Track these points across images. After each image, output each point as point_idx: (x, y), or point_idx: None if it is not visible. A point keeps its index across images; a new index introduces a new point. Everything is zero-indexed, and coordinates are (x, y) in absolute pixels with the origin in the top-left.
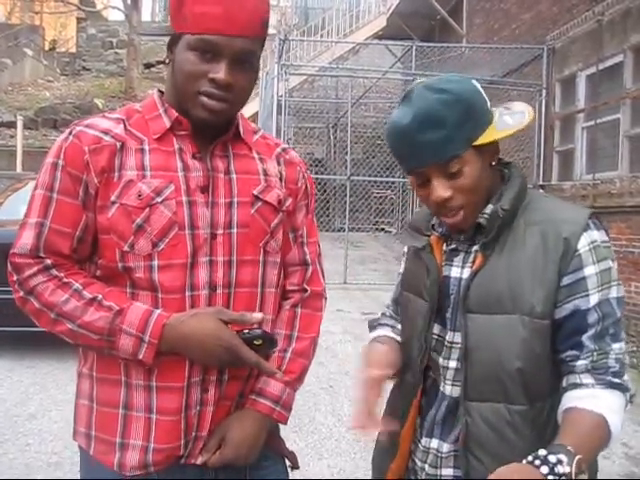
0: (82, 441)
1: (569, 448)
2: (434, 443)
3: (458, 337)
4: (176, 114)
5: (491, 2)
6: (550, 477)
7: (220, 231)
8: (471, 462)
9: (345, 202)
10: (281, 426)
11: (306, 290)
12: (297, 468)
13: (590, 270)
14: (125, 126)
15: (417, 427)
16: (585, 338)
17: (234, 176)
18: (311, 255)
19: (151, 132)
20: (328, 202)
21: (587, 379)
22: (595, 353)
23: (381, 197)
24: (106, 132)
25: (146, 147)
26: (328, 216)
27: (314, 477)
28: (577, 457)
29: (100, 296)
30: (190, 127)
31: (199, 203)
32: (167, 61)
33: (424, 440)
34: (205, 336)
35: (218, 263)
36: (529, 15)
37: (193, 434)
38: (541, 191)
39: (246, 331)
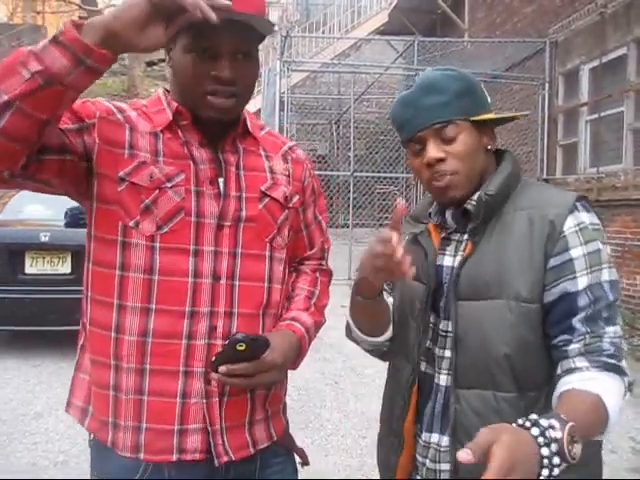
0: (76, 414)
1: (562, 416)
2: (434, 437)
3: (451, 326)
4: (176, 105)
5: None
6: (540, 439)
7: (228, 223)
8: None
9: (349, 198)
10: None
11: (322, 264)
12: (307, 464)
13: (577, 252)
14: (140, 113)
15: (416, 422)
16: (576, 321)
17: (242, 172)
18: (327, 245)
19: (155, 124)
20: (332, 198)
21: (581, 362)
22: (588, 336)
23: (384, 193)
24: (121, 110)
25: (160, 134)
26: (332, 212)
27: (320, 474)
28: (570, 424)
29: None
30: (191, 117)
31: (207, 194)
32: (168, 61)
33: (424, 435)
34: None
35: (223, 254)
36: (531, 8)
37: (197, 425)
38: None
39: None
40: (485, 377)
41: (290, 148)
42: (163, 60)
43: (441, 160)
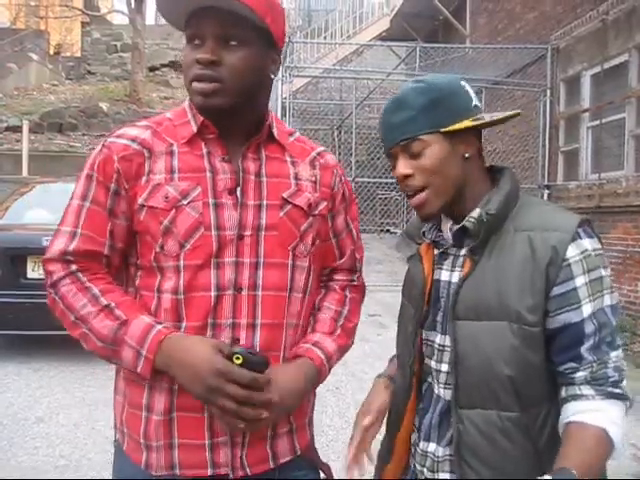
0: (120, 437)
1: (573, 472)
2: (431, 447)
3: (449, 341)
4: (202, 118)
5: (494, 2)
6: None
7: (248, 232)
8: (464, 469)
9: None
10: None
11: (353, 279)
12: None
13: (580, 280)
14: (153, 131)
15: (416, 430)
16: (584, 350)
17: (264, 179)
18: (359, 255)
19: (179, 137)
20: None
21: (587, 390)
22: (594, 364)
23: (386, 198)
24: (134, 139)
25: (175, 149)
26: None
27: None
28: None
29: (113, 304)
30: (217, 131)
31: (226, 205)
32: None
33: (422, 444)
34: (199, 358)
35: (244, 264)
36: (533, 15)
37: (224, 438)
38: (545, 196)
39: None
40: (488, 397)
41: (319, 154)
42: (165, 65)
43: (409, 176)
